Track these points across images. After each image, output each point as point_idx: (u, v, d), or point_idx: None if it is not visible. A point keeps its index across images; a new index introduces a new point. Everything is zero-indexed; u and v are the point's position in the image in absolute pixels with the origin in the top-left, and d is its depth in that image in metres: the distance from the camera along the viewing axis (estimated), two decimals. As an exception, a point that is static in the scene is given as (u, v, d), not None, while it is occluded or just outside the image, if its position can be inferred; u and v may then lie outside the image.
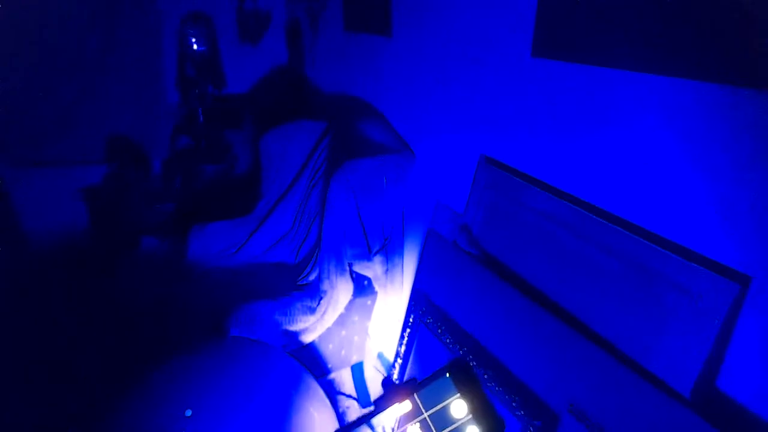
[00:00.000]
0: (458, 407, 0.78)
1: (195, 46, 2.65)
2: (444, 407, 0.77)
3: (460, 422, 0.78)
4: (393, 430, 0.79)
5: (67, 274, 2.50)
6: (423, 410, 0.78)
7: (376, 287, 1.72)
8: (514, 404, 1.04)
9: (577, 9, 0.97)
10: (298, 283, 1.79)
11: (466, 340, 1.20)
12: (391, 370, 1.51)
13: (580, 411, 0.92)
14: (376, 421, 0.79)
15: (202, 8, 2.59)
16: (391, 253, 1.64)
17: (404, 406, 0.77)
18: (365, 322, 1.79)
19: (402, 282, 1.62)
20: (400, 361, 1.44)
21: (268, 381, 1.19)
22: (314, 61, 2.42)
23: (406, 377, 1.43)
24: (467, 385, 0.79)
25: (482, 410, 0.78)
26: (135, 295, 2.03)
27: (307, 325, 1.63)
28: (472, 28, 1.28)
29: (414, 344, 1.39)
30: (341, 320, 1.74)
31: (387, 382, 0.82)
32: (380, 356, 1.82)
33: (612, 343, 0.92)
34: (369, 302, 1.76)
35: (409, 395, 0.78)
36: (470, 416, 0.77)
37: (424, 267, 1.41)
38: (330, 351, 1.75)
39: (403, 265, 1.64)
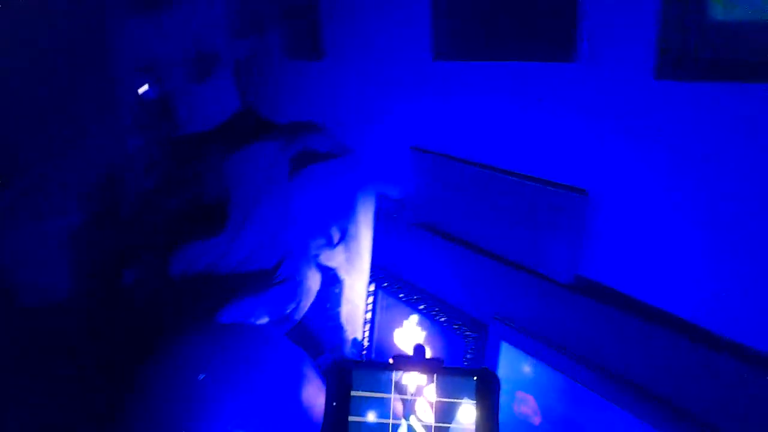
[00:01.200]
0: (466, 412, 0.77)
1: (149, 94, 2.90)
2: (453, 404, 0.77)
3: (461, 427, 0.77)
4: (412, 393, 0.81)
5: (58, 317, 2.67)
6: (434, 394, 0.79)
7: (341, 275, 2.00)
8: (455, 326, 1.34)
9: (458, 21, 1.30)
10: (275, 282, 2.05)
11: (418, 292, 1.49)
12: (362, 348, 1.78)
13: (502, 316, 1.22)
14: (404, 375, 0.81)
15: (155, 56, 2.85)
16: (349, 241, 1.93)
17: (422, 379, 0.81)
18: (336, 309, 2.06)
19: (362, 266, 1.90)
20: (368, 326, 1.71)
21: (272, 354, 1.45)
22: (262, 91, 2.71)
23: (375, 339, 1.70)
24: (485, 398, 0.78)
25: (488, 427, 0.77)
26: (125, 315, 2.24)
27: (285, 313, 1.88)
28: (386, 44, 1.60)
29: (377, 308, 1.67)
30: (314, 308, 2.00)
31: (419, 348, 0.87)
32: (354, 342, 2.09)
33: (520, 263, 1.22)
34: (337, 290, 2.04)
35: (430, 372, 0.80)
36: (473, 427, 0.77)
37: (377, 244, 1.70)
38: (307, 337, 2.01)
39: (360, 250, 1.92)
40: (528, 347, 1.15)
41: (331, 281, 2.01)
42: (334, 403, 0.78)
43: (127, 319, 2.15)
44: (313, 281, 1.93)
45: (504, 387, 1.20)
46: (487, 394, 0.79)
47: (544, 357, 1.12)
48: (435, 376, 0.79)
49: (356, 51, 1.78)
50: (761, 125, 0.78)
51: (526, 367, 1.16)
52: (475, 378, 0.79)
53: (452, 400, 0.78)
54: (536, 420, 1.14)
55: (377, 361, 0.82)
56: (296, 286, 1.96)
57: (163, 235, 2.73)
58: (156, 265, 2.43)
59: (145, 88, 2.85)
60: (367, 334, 1.71)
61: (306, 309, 1.93)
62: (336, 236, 1.92)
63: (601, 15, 0.95)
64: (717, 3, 0.78)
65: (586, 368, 1.04)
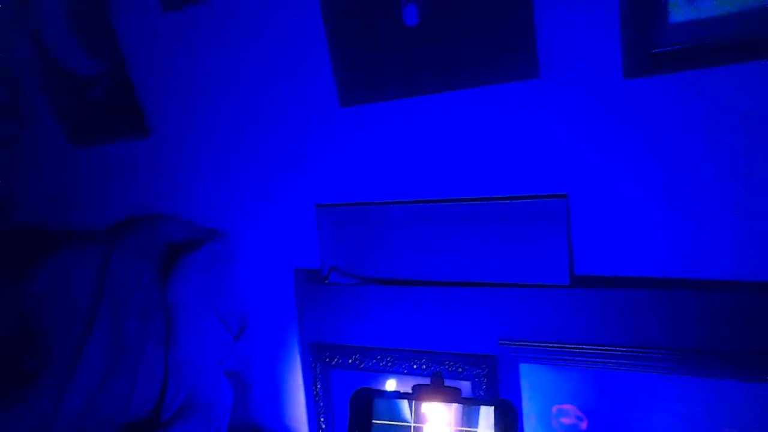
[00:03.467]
0: None
1: None
2: None
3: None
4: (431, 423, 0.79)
5: None
6: (453, 423, 0.80)
7: (250, 373, 1.67)
8: (459, 371, 1.26)
9: (362, 62, 1.26)
10: (162, 419, 1.57)
11: (391, 354, 1.35)
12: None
13: (508, 339, 1.20)
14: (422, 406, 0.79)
15: None
16: (254, 330, 1.64)
17: (441, 409, 0.80)
18: (257, 415, 1.72)
19: (281, 349, 1.63)
20: (322, 418, 1.46)
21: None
22: (42, 189, 2.11)
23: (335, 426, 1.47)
24: (505, 429, 0.80)
25: None
26: None
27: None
28: (267, 94, 1.43)
29: (330, 391, 1.45)
30: (234, 424, 1.62)
31: (437, 376, 0.84)
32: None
33: (512, 282, 1.22)
34: (251, 392, 1.70)
35: (449, 401, 0.80)
36: None
37: (308, 319, 1.47)
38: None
39: (271, 334, 1.65)
40: (549, 357, 1.16)
41: (244, 384, 1.66)
42: None
43: None
44: (222, 397, 1.56)
45: (538, 408, 1.20)
46: (507, 425, 0.83)
47: (568, 360, 1.14)
48: (453, 405, 0.82)
49: (217, 112, 1.54)
50: (734, 108, 0.96)
51: (554, 379, 1.16)
52: (494, 408, 0.83)
53: (471, 429, 0.81)
54: (584, 425, 1.15)
55: (397, 391, 0.87)
56: (198, 416, 1.55)
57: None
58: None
59: None
60: (323, 426, 1.46)
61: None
62: (236, 329, 1.60)
63: (560, 27, 1.04)
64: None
65: (608, 352, 1.10)
